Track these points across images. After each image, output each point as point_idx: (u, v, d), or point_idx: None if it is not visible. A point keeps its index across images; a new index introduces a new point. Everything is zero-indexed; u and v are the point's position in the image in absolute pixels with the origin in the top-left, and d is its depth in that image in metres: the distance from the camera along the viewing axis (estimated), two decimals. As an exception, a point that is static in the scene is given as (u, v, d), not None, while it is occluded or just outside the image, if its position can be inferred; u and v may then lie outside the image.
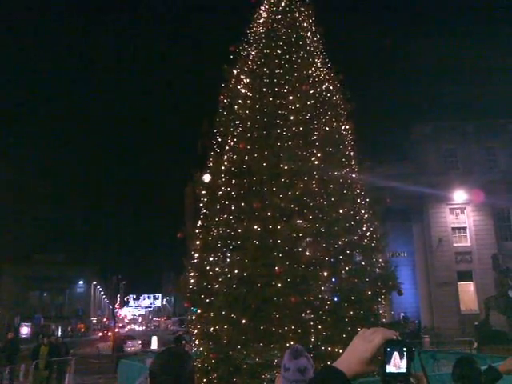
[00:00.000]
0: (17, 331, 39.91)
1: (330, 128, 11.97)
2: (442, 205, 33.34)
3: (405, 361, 1.32)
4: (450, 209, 33.66)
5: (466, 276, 32.56)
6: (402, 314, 24.76)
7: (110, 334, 35.72)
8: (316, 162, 11.31)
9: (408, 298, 27.72)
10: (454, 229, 33.61)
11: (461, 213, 33.88)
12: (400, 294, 12.15)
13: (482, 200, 31.16)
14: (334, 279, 11.41)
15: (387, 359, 1.32)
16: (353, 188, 12.05)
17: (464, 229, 33.66)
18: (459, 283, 32.46)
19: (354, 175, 12.18)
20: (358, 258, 11.80)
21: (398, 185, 27.10)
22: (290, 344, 9.52)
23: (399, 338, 1.36)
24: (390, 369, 1.32)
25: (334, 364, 1.35)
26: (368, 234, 11.66)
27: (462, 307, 31.77)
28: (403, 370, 1.32)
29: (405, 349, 1.33)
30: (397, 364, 1.32)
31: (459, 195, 32.76)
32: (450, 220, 33.60)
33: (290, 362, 3.03)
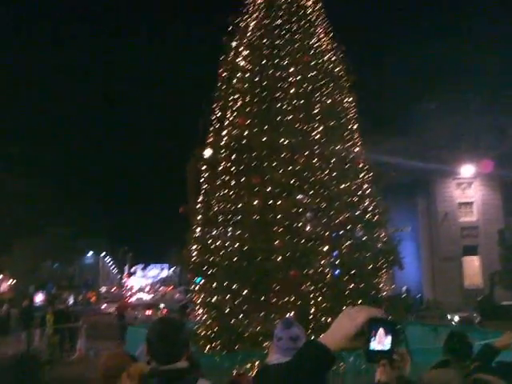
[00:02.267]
0: (31, 299, 41.05)
1: (333, 101, 11.76)
2: (449, 179, 33.02)
3: (389, 338, 1.36)
4: (457, 183, 33.36)
5: (471, 251, 32.40)
6: (405, 287, 24.91)
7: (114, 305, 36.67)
8: (317, 137, 11.24)
9: (411, 272, 27.80)
10: (460, 204, 33.34)
11: (468, 187, 33.57)
12: (401, 268, 12.24)
13: (490, 170, 30.68)
14: (334, 253, 11.52)
15: (371, 336, 1.35)
16: (355, 163, 11.95)
17: (471, 204, 33.40)
18: (464, 258, 32.32)
19: (356, 149, 12.07)
20: (360, 233, 11.83)
21: (402, 159, 26.83)
22: (289, 314, 9.76)
23: (384, 317, 1.39)
24: (374, 346, 1.35)
25: (319, 339, 1.40)
26: (370, 208, 11.65)
27: (466, 282, 31.74)
28: (387, 347, 1.36)
29: (389, 327, 1.37)
30: (381, 341, 1.35)
31: (466, 169, 32.37)
32: (457, 195, 33.31)
33: (282, 331, 3.09)
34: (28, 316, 18.82)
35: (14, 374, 2.61)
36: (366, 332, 1.35)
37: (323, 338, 1.40)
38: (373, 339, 1.35)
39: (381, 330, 1.35)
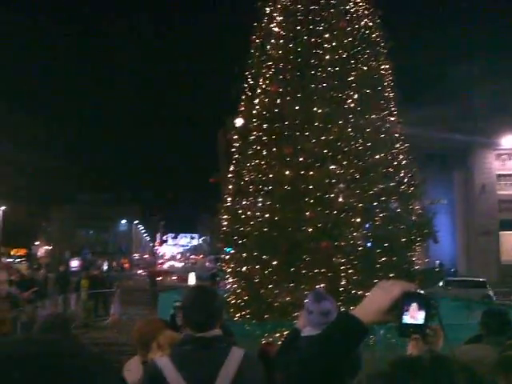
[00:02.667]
0: (67, 265, 42.84)
1: (369, 68, 11.37)
2: (488, 150, 31.93)
3: (423, 313, 1.35)
4: (497, 154, 32.29)
5: (509, 225, 31.54)
6: (438, 261, 24.56)
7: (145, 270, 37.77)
8: (352, 105, 10.94)
9: (445, 246, 27.32)
10: (499, 176, 32.28)
11: (508, 159, 32.45)
12: (435, 241, 12.01)
13: None
14: (367, 225, 11.35)
15: (405, 310, 1.35)
16: (391, 132, 11.63)
17: (510, 176, 32.34)
18: (501, 232, 31.55)
19: (392, 119, 11.72)
20: (394, 205, 11.60)
21: (440, 129, 26.02)
22: (320, 286, 9.73)
23: (418, 291, 1.39)
24: (406, 320, 1.35)
25: (352, 311, 1.41)
26: (405, 180, 11.38)
27: (503, 257, 31.02)
28: (420, 321, 1.35)
29: (423, 301, 1.36)
30: (414, 315, 1.35)
31: (507, 140, 31.22)
32: (496, 166, 32.24)
33: (313, 305, 3.08)
34: (64, 281, 19.44)
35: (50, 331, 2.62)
36: (399, 306, 1.34)
37: (356, 310, 1.40)
38: (406, 313, 1.35)
39: (414, 305, 1.35)
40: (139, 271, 43.81)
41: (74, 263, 49.07)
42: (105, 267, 43.51)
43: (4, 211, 52.99)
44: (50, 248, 69.52)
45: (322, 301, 3.06)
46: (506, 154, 32.68)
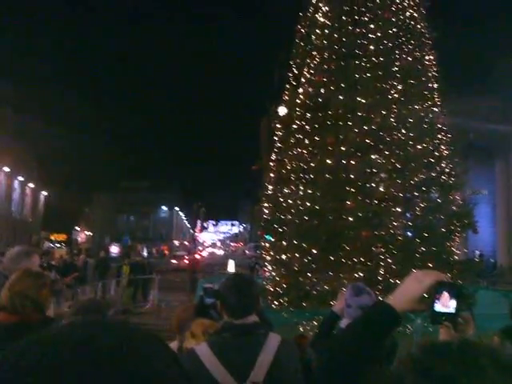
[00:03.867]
0: (107, 250, 43.61)
1: (413, 59, 11.25)
2: (529, 140, 30.97)
3: (454, 301, 1.41)
4: (537, 145, 31.24)
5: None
6: (478, 251, 24.01)
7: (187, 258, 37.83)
8: (396, 95, 10.87)
9: (485, 237, 26.63)
10: (539, 165, 31.34)
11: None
12: (475, 232, 11.88)
13: None
14: (407, 215, 11.34)
15: (437, 299, 1.41)
16: (434, 123, 11.50)
17: (550, 165, 31.27)
18: (542, 223, 30.69)
19: (435, 109, 11.59)
20: (435, 195, 11.53)
21: (482, 120, 25.30)
22: (358, 275, 9.82)
23: (450, 281, 1.45)
24: (438, 308, 1.41)
25: (386, 299, 1.47)
26: (447, 171, 11.27)
27: (542, 247, 30.25)
28: (451, 309, 1.41)
29: (455, 290, 1.41)
30: (445, 304, 1.41)
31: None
32: (536, 156, 31.29)
33: (351, 298, 3.09)
34: (104, 267, 19.61)
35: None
36: (431, 295, 1.40)
37: (390, 299, 1.46)
38: (437, 302, 1.40)
39: (445, 294, 1.40)
40: (173, 260, 43.96)
41: (114, 249, 50.06)
42: (145, 253, 44.11)
43: (46, 197, 54.30)
44: (91, 234, 70.73)
45: (360, 295, 3.06)
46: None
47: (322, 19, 11.58)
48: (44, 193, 53.42)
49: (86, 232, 71.17)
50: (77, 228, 67.75)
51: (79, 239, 66.28)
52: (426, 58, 11.56)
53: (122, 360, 0.56)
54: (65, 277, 15.16)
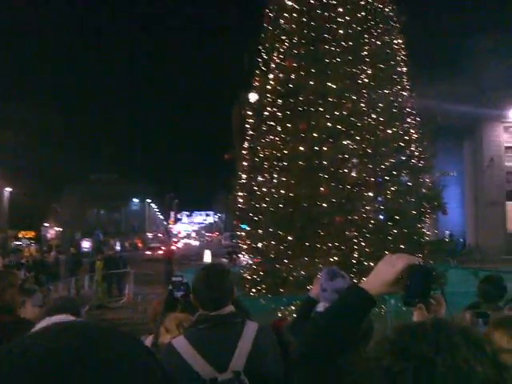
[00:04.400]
0: (78, 246, 42.70)
1: (382, 43, 11.32)
2: (496, 123, 31.71)
3: (426, 284, 1.44)
4: (505, 127, 32.04)
5: (515, 196, 31.73)
6: (448, 232, 24.66)
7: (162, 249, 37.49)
8: (366, 80, 10.94)
9: (455, 217, 27.34)
10: (507, 148, 32.09)
11: (516, 131, 32.34)
12: (444, 213, 12.16)
13: None
14: (379, 199, 11.52)
15: (409, 281, 1.43)
16: (403, 107, 11.66)
17: (518, 148, 32.31)
18: (508, 203, 31.63)
19: (404, 93, 11.73)
20: (405, 179, 11.73)
21: (451, 102, 25.80)
22: (333, 259, 9.94)
23: (421, 264, 1.47)
24: (411, 291, 1.43)
25: (360, 284, 1.50)
26: (416, 154, 11.46)
27: (510, 227, 31.19)
28: (424, 291, 1.45)
29: (426, 273, 1.44)
30: (418, 286, 1.43)
31: (515, 112, 31.06)
32: (504, 139, 32.02)
33: (326, 283, 3.08)
34: (76, 263, 19.34)
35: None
36: (404, 277, 1.42)
37: (364, 283, 1.48)
38: (410, 284, 1.43)
39: (418, 276, 1.42)
40: (147, 252, 43.47)
41: (85, 244, 49.28)
42: (117, 247, 43.54)
43: (11, 193, 52.79)
44: (61, 229, 69.42)
45: (335, 279, 3.07)
46: (513, 126, 32.51)
47: (290, 3, 11.43)
48: (8, 189, 51.83)
49: (55, 228, 69.81)
50: (46, 224, 66.32)
51: (49, 236, 64.90)
52: (395, 41, 11.64)
53: (94, 367, 0.55)
54: (35, 274, 14.86)
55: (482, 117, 30.89)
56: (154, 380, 0.60)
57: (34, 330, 0.69)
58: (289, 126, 10.84)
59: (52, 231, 68.13)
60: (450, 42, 32.36)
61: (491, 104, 29.50)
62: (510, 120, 32.05)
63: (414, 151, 11.45)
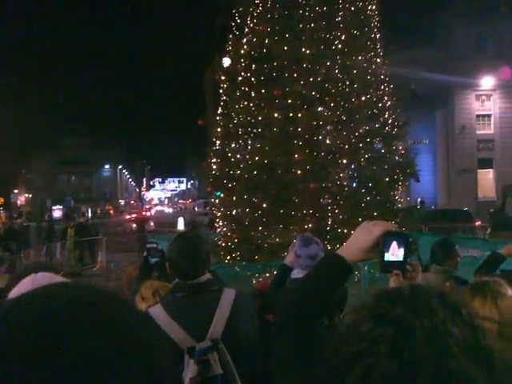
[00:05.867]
0: (50, 213, 42.02)
1: (356, 8, 11.22)
2: (468, 91, 31.98)
3: (402, 250, 1.45)
4: (476, 95, 32.38)
5: (486, 164, 32.08)
6: (419, 199, 25.14)
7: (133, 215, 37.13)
8: (340, 46, 10.85)
9: (427, 185, 27.86)
10: (478, 116, 32.52)
11: (487, 100, 32.54)
12: (417, 180, 12.37)
13: (509, 78, 29.60)
14: (352, 166, 11.61)
15: (386, 248, 1.44)
16: (377, 74, 11.63)
17: (489, 116, 32.55)
18: (479, 171, 32.20)
19: (378, 60, 11.69)
20: (378, 146, 11.82)
21: (423, 70, 25.86)
22: (308, 226, 10.05)
23: (397, 230, 1.49)
24: (388, 257, 1.45)
25: (336, 251, 1.50)
26: (390, 121, 11.52)
27: (480, 194, 31.79)
28: (400, 258, 1.46)
29: (402, 239, 1.46)
30: (394, 253, 1.45)
31: (486, 81, 31.17)
32: (475, 107, 32.43)
33: (300, 249, 3.08)
34: (49, 230, 19.08)
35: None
36: (380, 244, 1.43)
37: (341, 250, 1.49)
38: (387, 251, 1.44)
39: (394, 243, 1.44)
40: (126, 217, 43.07)
41: (57, 212, 48.50)
42: (89, 215, 42.97)
43: (-24, 159, 51.07)
44: (31, 196, 68.13)
45: (309, 245, 3.07)
46: (484, 94, 32.87)
47: None
48: (-27, 156, 50.12)
49: (25, 195, 68.47)
50: (15, 191, 64.91)
51: (19, 202, 63.64)
52: (369, 8, 11.55)
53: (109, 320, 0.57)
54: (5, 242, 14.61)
55: (454, 84, 31.13)
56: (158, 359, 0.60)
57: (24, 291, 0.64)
58: (263, 91, 10.73)
59: (22, 198, 66.82)
60: (422, 9, 32.31)
61: (462, 72, 29.71)
62: (481, 88, 32.39)
63: (388, 118, 11.50)
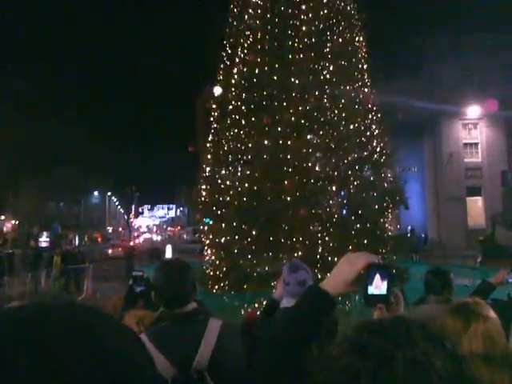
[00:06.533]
0: (37, 240, 41.34)
1: (343, 40, 11.53)
2: (455, 120, 32.63)
3: (385, 283, 1.43)
4: (463, 124, 32.99)
5: (475, 191, 32.50)
6: (410, 227, 25.22)
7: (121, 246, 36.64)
8: (328, 76, 11.08)
9: (416, 212, 27.97)
10: (465, 144, 33.08)
11: (473, 128, 33.22)
12: (406, 208, 12.43)
13: (495, 110, 30.28)
14: (342, 193, 11.65)
15: (369, 281, 1.42)
16: (364, 103, 11.86)
17: (476, 144, 33.15)
18: (468, 198, 32.48)
19: (366, 89, 11.93)
20: (367, 173, 11.91)
21: (410, 99, 26.44)
22: (298, 254, 9.98)
23: (381, 262, 1.46)
24: (371, 290, 1.43)
25: (320, 284, 1.48)
26: (378, 149, 11.66)
27: (470, 222, 31.99)
28: (383, 291, 1.43)
29: (386, 272, 1.44)
30: (378, 285, 1.42)
31: (473, 110, 31.87)
32: (462, 135, 33.04)
33: (289, 275, 3.06)
34: (35, 257, 18.66)
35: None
36: (364, 277, 1.41)
37: (324, 283, 1.47)
38: (370, 284, 1.42)
39: (378, 275, 1.42)
40: (110, 248, 42.45)
41: (44, 238, 47.80)
42: (76, 242, 42.42)
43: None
44: (17, 222, 67.21)
45: (297, 271, 3.05)
46: (471, 123, 33.50)
47: None
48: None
49: (12, 221, 67.56)
50: (2, 217, 64.12)
51: (5, 229, 62.78)
52: (356, 39, 11.88)
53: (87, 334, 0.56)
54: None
55: (441, 113, 31.72)
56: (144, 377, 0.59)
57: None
58: (253, 119, 10.85)
59: (9, 224, 65.97)
60: (409, 40, 33.11)
61: (448, 101, 30.32)
62: (467, 117, 33.01)
63: (376, 146, 11.64)
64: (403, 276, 10.76)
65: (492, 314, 2.18)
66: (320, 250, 10.39)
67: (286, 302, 2.98)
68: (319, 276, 8.42)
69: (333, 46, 11.29)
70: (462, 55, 31.86)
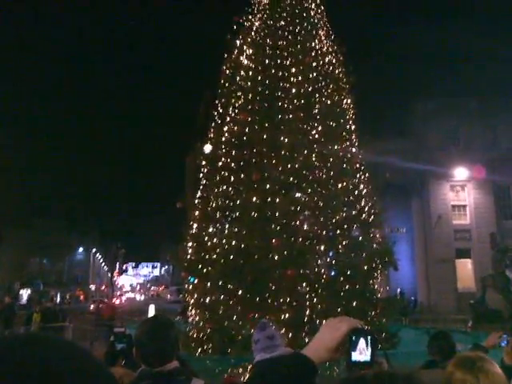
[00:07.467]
0: (17, 296, 40.23)
1: (332, 102, 11.92)
2: (443, 181, 33.08)
3: (369, 349, 1.38)
4: (451, 186, 33.41)
5: (464, 254, 32.47)
6: (399, 289, 24.92)
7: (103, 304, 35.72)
8: (316, 136, 11.31)
9: (405, 274, 27.73)
10: (453, 206, 33.38)
11: (461, 190, 33.64)
12: (396, 269, 12.25)
13: (482, 176, 30.84)
14: (330, 253, 11.48)
15: (353, 347, 1.37)
16: (352, 163, 12.02)
17: (464, 206, 33.45)
18: (457, 260, 32.34)
19: (354, 150, 12.15)
20: (356, 233, 11.81)
21: (398, 160, 26.94)
22: (284, 316, 9.65)
23: (364, 327, 1.42)
24: (355, 357, 1.37)
25: (302, 351, 1.41)
26: (366, 209, 11.66)
27: (459, 285, 31.75)
28: (368, 358, 1.37)
29: (369, 337, 1.38)
30: (362, 352, 1.37)
31: (460, 172, 32.40)
32: (450, 197, 33.39)
33: (258, 333, 3.12)
34: (9, 315, 18.14)
35: None
36: (347, 343, 1.37)
37: (307, 350, 1.42)
38: (353, 350, 1.37)
39: (361, 341, 1.38)
40: (91, 306, 41.52)
41: (25, 294, 46.66)
42: (57, 300, 41.45)
43: None
44: (-2, 278, 65.62)
45: (266, 328, 3.15)
46: (459, 185, 33.95)
47: (246, 61, 12.07)
48: None
49: (-8, 277, 65.84)
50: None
51: (-16, 285, 61.04)
52: (344, 101, 12.23)
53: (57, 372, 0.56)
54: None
55: (428, 174, 32.20)
56: None
57: None
58: (242, 176, 10.89)
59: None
60: (395, 102, 34.35)
61: (436, 163, 30.86)
62: (455, 179, 33.49)
63: (364, 206, 11.63)
64: (393, 340, 10.44)
65: (498, 369, 2.12)
66: (308, 312, 10.09)
67: (260, 357, 3.01)
68: (307, 340, 8.09)
69: (321, 107, 11.63)
70: (448, 118, 32.79)
